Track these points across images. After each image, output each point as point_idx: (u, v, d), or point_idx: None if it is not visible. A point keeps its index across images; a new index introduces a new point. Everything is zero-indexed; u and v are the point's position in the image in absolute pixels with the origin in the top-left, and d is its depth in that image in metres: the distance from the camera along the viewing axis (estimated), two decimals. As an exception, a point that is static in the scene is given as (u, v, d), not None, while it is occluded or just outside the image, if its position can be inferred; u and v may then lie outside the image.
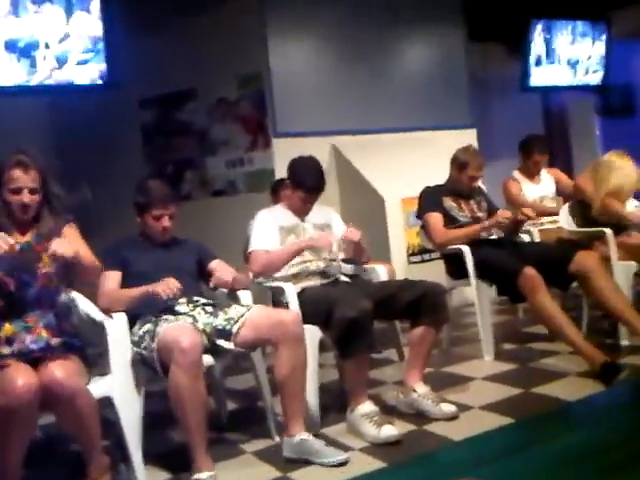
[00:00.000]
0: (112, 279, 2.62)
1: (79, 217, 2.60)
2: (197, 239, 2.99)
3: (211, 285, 2.74)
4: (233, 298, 2.78)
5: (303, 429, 2.48)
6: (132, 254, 2.70)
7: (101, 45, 4.22)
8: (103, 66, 4.23)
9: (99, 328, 2.39)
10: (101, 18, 4.20)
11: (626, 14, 6.60)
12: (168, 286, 2.43)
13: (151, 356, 2.39)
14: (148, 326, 2.49)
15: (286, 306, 2.81)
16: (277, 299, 2.96)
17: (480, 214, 3.68)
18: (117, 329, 2.41)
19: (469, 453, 2.41)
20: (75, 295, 2.46)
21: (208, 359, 2.48)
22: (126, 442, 2.34)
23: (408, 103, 5.38)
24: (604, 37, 6.87)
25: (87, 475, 2.23)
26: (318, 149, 4.53)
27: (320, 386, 2.81)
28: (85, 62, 4.21)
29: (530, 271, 3.12)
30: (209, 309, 2.64)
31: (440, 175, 3.77)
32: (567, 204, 4.04)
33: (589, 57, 6.80)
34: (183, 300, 2.62)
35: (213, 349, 2.52)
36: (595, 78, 6.92)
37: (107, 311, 2.46)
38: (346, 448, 2.49)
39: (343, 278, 3.08)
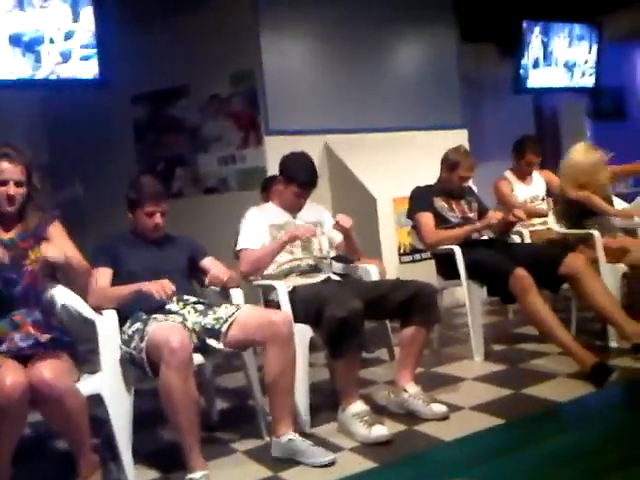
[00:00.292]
0: (103, 276, 2.60)
1: (71, 213, 2.59)
2: (187, 235, 2.97)
3: (206, 283, 2.73)
4: (225, 296, 2.77)
5: (291, 429, 2.47)
6: (124, 251, 2.68)
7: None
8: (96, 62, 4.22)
9: (89, 325, 2.37)
10: (94, 14, 4.17)
11: (618, 17, 6.64)
12: (162, 288, 2.41)
13: (140, 356, 2.37)
14: (137, 325, 2.47)
15: (277, 305, 2.81)
16: (268, 297, 2.96)
17: (471, 214, 3.69)
18: (107, 326, 2.39)
19: (459, 453, 2.42)
20: (65, 292, 2.44)
21: (198, 358, 2.47)
22: (116, 440, 2.33)
23: (400, 103, 5.39)
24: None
25: (77, 473, 2.22)
26: (310, 147, 4.48)
27: (311, 385, 2.80)
28: (88, 58, 4.21)
29: (521, 272, 3.14)
30: (199, 308, 2.63)
31: (431, 175, 3.78)
32: (556, 205, 4.06)
33: (586, 60, 6.84)
34: (173, 298, 2.60)
35: (203, 348, 2.51)
36: (591, 81, 6.96)
37: (98, 308, 2.44)
38: (337, 448, 2.49)
39: (334, 277, 3.07)
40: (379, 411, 2.80)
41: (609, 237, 3.69)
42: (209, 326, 2.53)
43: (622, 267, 3.51)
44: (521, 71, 6.35)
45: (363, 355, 3.38)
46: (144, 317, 2.51)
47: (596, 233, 3.56)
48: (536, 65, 6.46)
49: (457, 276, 3.47)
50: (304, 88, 5.00)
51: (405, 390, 2.79)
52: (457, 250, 3.46)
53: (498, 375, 3.22)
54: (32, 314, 2.21)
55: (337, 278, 3.08)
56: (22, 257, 2.29)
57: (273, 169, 4.33)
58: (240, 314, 2.55)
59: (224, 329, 2.51)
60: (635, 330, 3.18)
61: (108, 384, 2.35)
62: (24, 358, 2.08)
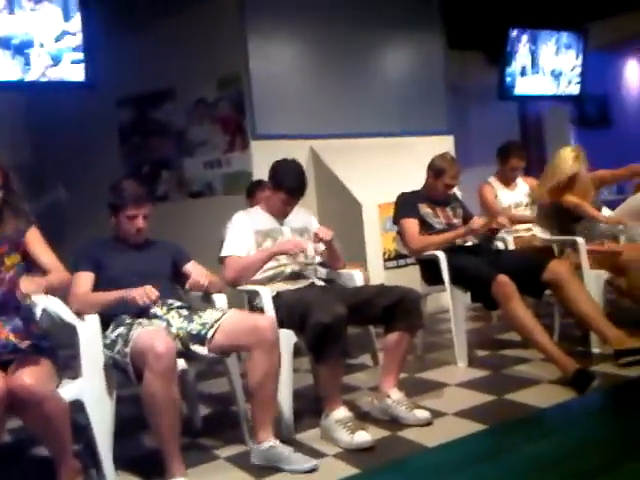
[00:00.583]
0: (85, 281, 2.58)
1: (54, 217, 2.57)
2: (173, 240, 2.96)
3: (186, 287, 2.71)
4: (207, 301, 2.76)
5: (272, 436, 2.46)
6: (106, 256, 2.66)
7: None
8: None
9: (71, 330, 2.35)
10: (80, 16, 4.15)
11: (602, 26, 6.70)
12: (146, 293, 2.39)
13: (124, 361, 2.35)
14: (121, 330, 2.45)
15: (262, 310, 2.80)
16: (253, 302, 2.95)
17: (455, 221, 3.71)
18: (88, 331, 2.36)
19: (442, 459, 2.42)
20: (46, 297, 2.42)
21: (181, 364, 2.45)
22: (97, 446, 2.31)
23: (387, 108, 5.41)
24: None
25: (57, 480, 2.19)
26: (296, 152, 4.50)
27: (295, 391, 2.80)
28: (79, 62, 4.20)
29: (503, 279, 3.15)
30: (184, 312, 2.61)
31: (417, 181, 3.79)
32: (540, 211, 4.08)
33: (572, 69, 6.90)
34: (158, 303, 2.58)
35: (187, 354, 2.49)
36: (576, 89, 7.02)
37: (79, 313, 2.42)
38: (319, 454, 2.49)
39: (319, 282, 3.07)
40: (363, 417, 2.80)
41: (596, 244, 3.71)
42: (194, 332, 2.52)
43: (605, 273, 3.53)
44: (508, 79, 6.39)
45: (347, 361, 3.39)
46: (128, 321, 2.50)
47: (580, 240, 3.59)
48: (523, 73, 6.51)
49: (441, 282, 3.48)
50: (291, 93, 5.01)
51: (388, 396, 2.79)
52: (441, 256, 3.47)
53: (481, 381, 3.23)
54: (11, 321, 2.17)
55: (321, 283, 3.08)
56: None
57: (259, 173, 4.34)
58: (225, 319, 2.54)
59: (210, 335, 2.50)
60: (617, 336, 3.20)
61: (89, 390, 2.32)
62: (3, 364, 2.06)
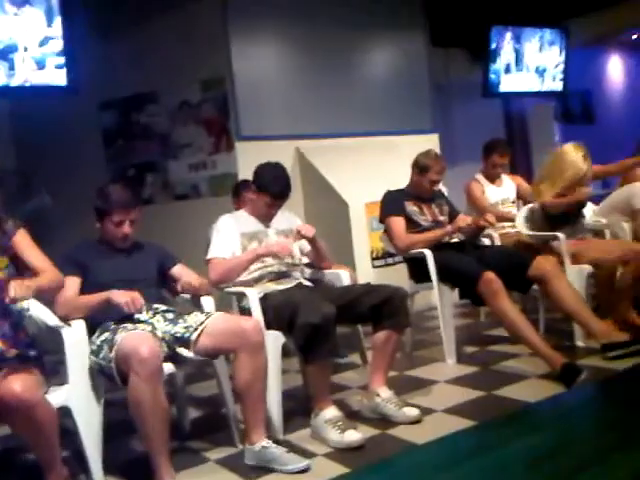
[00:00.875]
0: (71, 286, 2.55)
1: (38, 221, 2.55)
2: (159, 243, 2.95)
3: (179, 289, 2.69)
4: (195, 304, 2.75)
5: (264, 436, 2.46)
6: (92, 261, 2.64)
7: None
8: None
9: (57, 336, 2.33)
10: (61, 20, 4.13)
11: (584, 22, 6.74)
12: (132, 301, 2.38)
13: (109, 366, 2.34)
14: (106, 335, 2.44)
15: (250, 312, 2.79)
16: (242, 304, 2.94)
17: (441, 218, 3.72)
18: (75, 337, 2.36)
19: (431, 456, 2.43)
20: (32, 302, 2.40)
21: (169, 367, 2.44)
22: (85, 452, 2.30)
23: (371, 107, 5.41)
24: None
25: (45, 487, 2.18)
26: (282, 153, 4.54)
27: (284, 392, 2.80)
28: (62, 66, 4.16)
29: (489, 275, 3.17)
30: (169, 316, 2.61)
31: (403, 179, 3.80)
32: (526, 207, 4.10)
33: (556, 65, 6.94)
34: (143, 307, 2.57)
35: (174, 357, 2.49)
36: (560, 85, 7.06)
37: (66, 318, 2.40)
38: (310, 454, 2.49)
39: (305, 282, 3.07)
40: (352, 416, 2.80)
41: (577, 239, 3.74)
42: (179, 335, 2.51)
43: (588, 268, 3.56)
44: (493, 76, 6.42)
45: (337, 360, 3.39)
46: (113, 326, 2.49)
47: (562, 235, 3.61)
48: (508, 70, 6.54)
49: (429, 279, 3.49)
50: (275, 93, 5.00)
51: (378, 394, 2.80)
52: (428, 253, 3.48)
53: (470, 377, 3.24)
54: (1, 328, 2.17)
55: (308, 284, 3.08)
56: None
57: (244, 175, 4.33)
58: (210, 322, 2.54)
59: (194, 337, 2.49)
60: (603, 330, 3.23)
61: (76, 396, 2.32)
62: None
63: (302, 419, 2.77)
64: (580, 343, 3.49)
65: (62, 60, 4.14)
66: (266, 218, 3.09)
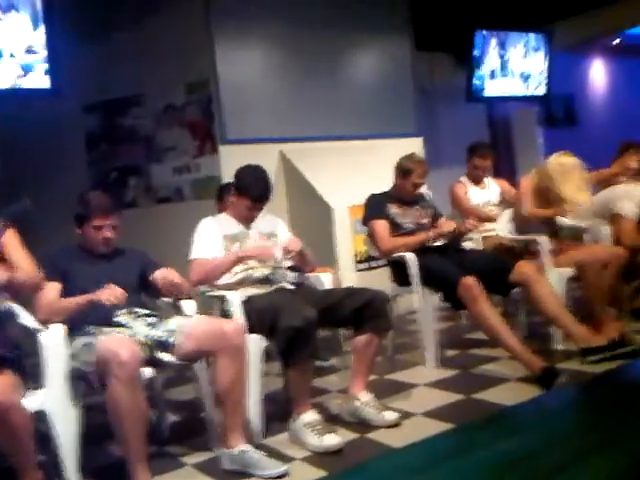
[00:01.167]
0: (52, 289, 2.55)
1: (20, 226, 2.54)
2: (141, 247, 2.94)
3: (160, 285, 2.66)
4: (176, 308, 2.74)
5: (243, 440, 2.46)
6: (72, 266, 2.63)
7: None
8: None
9: (35, 339, 2.32)
10: (45, 23, 4.11)
11: (568, 26, 6.80)
12: (112, 293, 2.37)
13: (88, 370, 2.33)
14: (86, 339, 2.43)
15: (232, 315, 2.79)
16: (223, 308, 2.94)
17: (424, 220, 3.74)
18: (52, 341, 2.34)
19: (409, 460, 2.43)
20: (12, 305, 2.40)
21: (148, 371, 2.44)
22: (61, 457, 2.29)
23: (355, 111, 5.42)
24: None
25: (20, 492, 2.17)
26: (266, 156, 4.55)
27: (265, 395, 2.80)
28: (47, 70, 4.14)
29: (469, 280, 3.18)
30: (150, 320, 2.60)
31: (387, 183, 3.82)
32: (507, 210, 4.13)
33: (541, 71, 6.99)
34: (123, 311, 2.58)
35: (154, 361, 2.48)
36: (544, 90, 7.11)
37: (46, 322, 2.40)
38: (288, 458, 2.49)
39: (288, 286, 3.07)
40: (332, 420, 2.80)
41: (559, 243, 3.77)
42: (160, 339, 2.51)
43: (568, 272, 3.58)
44: (478, 82, 6.46)
45: (318, 364, 3.39)
46: (92, 331, 2.48)
47: (542, 239, 3.63)
48: (493, 76, 6.58)
49: (411, 283, 3.49)
50: (259, 97, 5.00)
51: (357, 398, 2.80)
52: (410, 257, 3.49)
53: (450, 380, 3.26)
54: None
55: (290, 287, 3.08)
56: None
57: (228, 178, 4.30)
58: (191, 325, 2.54)
59: (175, 341, 2.49)
60: (583, 335, 3.25)
61: (53, 400, 2.30)
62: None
63: (282, 423, 2.76)
64: (559, 346, 3.52)
65: (46, 64, 4.13)
66: (247, 221, 3.10)
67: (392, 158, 3.85)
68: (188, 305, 2.76)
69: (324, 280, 3.18)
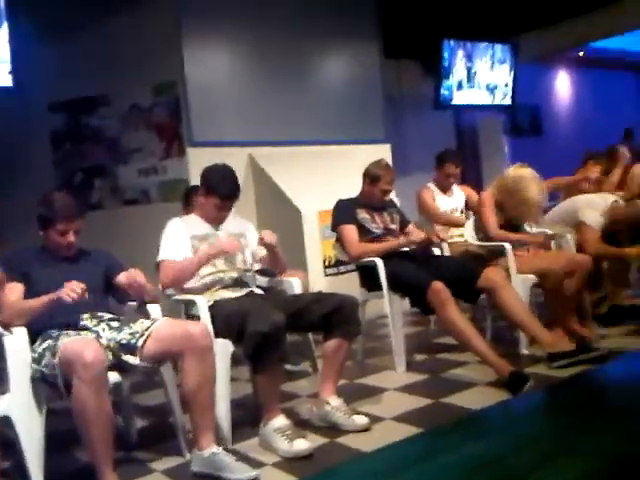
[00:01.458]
0: (13, 291, 2.48)
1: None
2: (106, 249, 2.88)
3: (124, 284, 2.61)
4: (142, 312, 2.70)
5: (214, 442, 2.43)
6: (35, 269, 2.56)
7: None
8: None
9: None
10: (6, 20, 4.03)
11: (534, 38, 6.94)
12: (72, 289, 2.32)
13: (52, 373, 2.28)
14: (49, 342, 2.38)
15: (199, 319, 2.76)
16: (190, 312, 2.90)
17: (393, 226, 3.76)
18: (16, 345, 2.29)
19: (377, 464, 2.43)
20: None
21: (114, 376, 2.39)
22: (26, 463, 2.23)
23: (324, 116, 5.44)
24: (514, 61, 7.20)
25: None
26: (235, 159, 4.50)
27: (234, 401, 2.78)
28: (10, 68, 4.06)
29: (438, 286, 3.21)
30: (114, 324, 2.55)
31: (356, 188, 3.82)
32: (473, 218, 4.18)
33: (506, 83, 7.11)
34: (87, 315, 2.53)
35: (119, 366, 2.43)
36: (510, 100, 7.23)
37: (9, 325, 2.34)
38: (258, 463, 2.47)
39: (257, 290, 3.05)
40: (302, 425, 2.79)
41: (521, 250, 3.82)
42: (124, 341, 2.46)
43: (532, 278, 3.64)
44: (445, 92, 6.54)
45: (288, 368, 3.38)
46: (55, 334, 2.43)
47: (508, 246, 3.68)
48: (460, 87, 6.68)
49: (379, 288, 3.51)
50: (228, 99, 4.98)
51: (327, 403, 2.79)
52: (379, 262, 3.50)
53: (419, 385, 3.27)
54: None
55: (259, 292, 3.06)
56: None
57: (195, 180, 4.26)
58: (156, 327, 2.50)
59: (140, 343, 2.44)
60: (550, 340, 3.30)
61: (17, 405, 2.25)
62: None
63: (251, 428, 2.74)
64: (525, 351, 3.57)
65: (9, 63, 4.05)
66: (216, 221, 3.05)
67: (360, 164, 3.87)
68: (153, 309, 2.72)
69: (294, 285, 3.17)
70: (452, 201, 4.75)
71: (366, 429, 2.69)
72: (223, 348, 2.67)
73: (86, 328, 2.50)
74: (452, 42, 6.54)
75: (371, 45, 5.85)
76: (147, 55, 4.75)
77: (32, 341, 2.40)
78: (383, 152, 5.39)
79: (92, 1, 4.82)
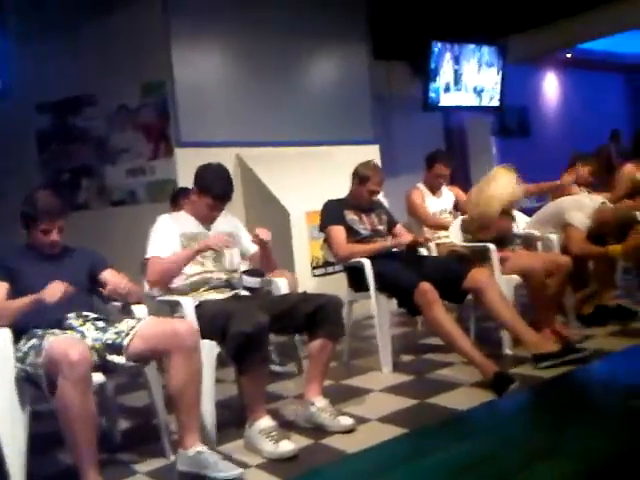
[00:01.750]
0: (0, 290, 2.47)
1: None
2: (90, 247, 2.87)
3: (105, 294, 2.60)
4: (127, 312, 2.69)
5: (199, 441, 2.42)
6: (19, 267, 2.55)
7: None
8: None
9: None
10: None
11: (522, 40, 6.97)
12: (52, 290, 2.30)
13: (36, 373, 2.27)
14: (33, 341, 2.37)
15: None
16: (175, 313, 2.89)
17: (380, 227, 3.76)
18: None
19: (361, 465, 2.43)
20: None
21: (98, 377, 2.38)
22: (7, 465, 2.22)
23: (313, 117, 5.44)
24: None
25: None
26: (223, 159, 4.40)
27: (220, 402, 2.77)
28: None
29: (425, 286, 3.21)
30: (99, 324, 2.54)
31: (344, 189, 3.83)
32: (459, 218, 4.19)
33: (494, 86, 7.14)
34: (72, 315, 2.52)
35: (104, 366, 2.42)
36: (497, 102, 7.26)
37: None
38: (242, 464, 2.45)
39: (243, 292, 3.04)
40: (287, 426, 2.78)
41: (506, 250, 3.84)
42: (110, 341, 2.45)
43: (516, 279, 3.66)
44: (433, 94, 6.56)
45: (274, 369, 3.38)
46: (40, 333, 2.41)
47: (492, 247, 3.70)
48: (447, 89, 6.70)
49: (367, 288, 3.51)
50: (217, 100, 4.97)
51: (313, 403, 2.79)
52: (366, 263, 3.51)
53: (405, 386, 3.27)
54: None
55: (246, 293, 3.05)
56: None
57: (184, 181, 4.28)
58: (142, 325, 2.49)
59: (126, 342, 2.43)
60: (535, 341, 3.30)
61: (0, 405, 2.23)
62: None
63: (236, 429, 2.73)
64: (509, 351, 3.59)
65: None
66: (207, 220, 3.02)
67: (349, 165, 3.87)
68: (139, 309, 2.71)
69: (281, 285, 3.16)
70: (441, 202, 4.76)
71: (351, 430, 2.69)
72: (209, 349, 2.66)
73: (71, 327, 2.49)
74: (440, 44, 6.57)
75: (360, 46, 5.86)
76: (135, 55, 4.74)
77: (16, 340, 2.39)
78: (372, 153, 5.41)
79: (80, 1, 4.81)
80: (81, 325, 2.51)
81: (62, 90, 4.90)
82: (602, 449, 2.34)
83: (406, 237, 3.64)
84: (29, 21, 4.61)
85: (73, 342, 2.28)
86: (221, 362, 2.75)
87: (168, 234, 2.93)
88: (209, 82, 4.96)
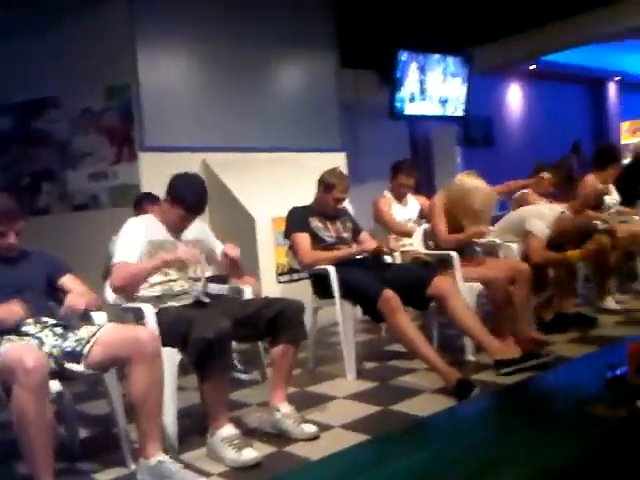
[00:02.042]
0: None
1: None
2: (51, 253, 2.81)
3: (62, 314, 2.55)
4: (86, 319, 2.64)
5: (160, 450, 2.39)
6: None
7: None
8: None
9: None
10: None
11: (487, 51, 7.08)
12: (9, 312, 2.27)
13: (-8, 380, 2.21)
14: (-12, 348, 2.30)
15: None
16: (138, 321, 2.85)
17: (345, 234, 3.78)
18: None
19: (323, 472, 2.39)
20: None
21: (56, 385, 2.33)
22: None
23: (280, 124, 5.44)
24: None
25: None
26: (188, 165, 4.45)
27: (181, 410, 2.74)
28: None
29: (389, 294, 3.23)
30: (58, 331, 2.49)
31: (310, 196, 3.83)
32: (422, 226, 4.23)
33: (458, 96, 7.23)
34: (30, 320, 2.46)
35: (62, 374, 2.37)
36: (462, 112, 7.35)
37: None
38: (205, 473, 2.43)
39: (205, 299, 3.00)
40: (250, 433, 2.77)
41: (467, 258, 3.88)
42: (69, 349, 2.40)
43: (478, 286, 3.70)
44: (398, 104, 6.62)
45: (238, 377, 3.35)
46: (-4, 340, 2.35)
47: (454, 254, 3.74)
48: (412, 99, 6.77)
49: (332, 296, 3.52)
50: (182, 105, 4.94)
51: (278, 410, 2.78)
52: (331, 270, 3.51)
53: (368, 392, 3.28)
54: None
55: (208, 300, 3.01)
56: None
57: (147, 186, 4.24)
58: (102, 333, 2.44)
59: (86, 350, 2.39)
60: (497, 348, 3.34)
61: (-48, 415, 2.17)
62: None
63: (199, 438, 2.70)
64: (471, 358, 3.63)
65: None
66: (177, 230, 2.97)
67: (315, 172, 3.87)
68: (99, 316, 2.67)
69: (245, 291, 3.14)
70: (407, 211, 4.80)
71: (315, 437, 2.69)
72: (170, 356, 2.63)
73: (29, 334, 2.43)
74: (406, 54, 6.63)
75: (327, 54, 5.88)
76: (100, 58, 4.69)
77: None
78: (338, 160, 5.42)
79: (45, 2, 4.73)
80: (39, 331, 2.46)
81: (25, 92, 4.81)
82: (559, 455, 2.36)
83: (370, 244, 3.67)
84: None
85: (28, 349, 2.23)
86: (183, 369, 2.73)
87: (136, 239, 2.87)
88: (175, 86, 4.92)
